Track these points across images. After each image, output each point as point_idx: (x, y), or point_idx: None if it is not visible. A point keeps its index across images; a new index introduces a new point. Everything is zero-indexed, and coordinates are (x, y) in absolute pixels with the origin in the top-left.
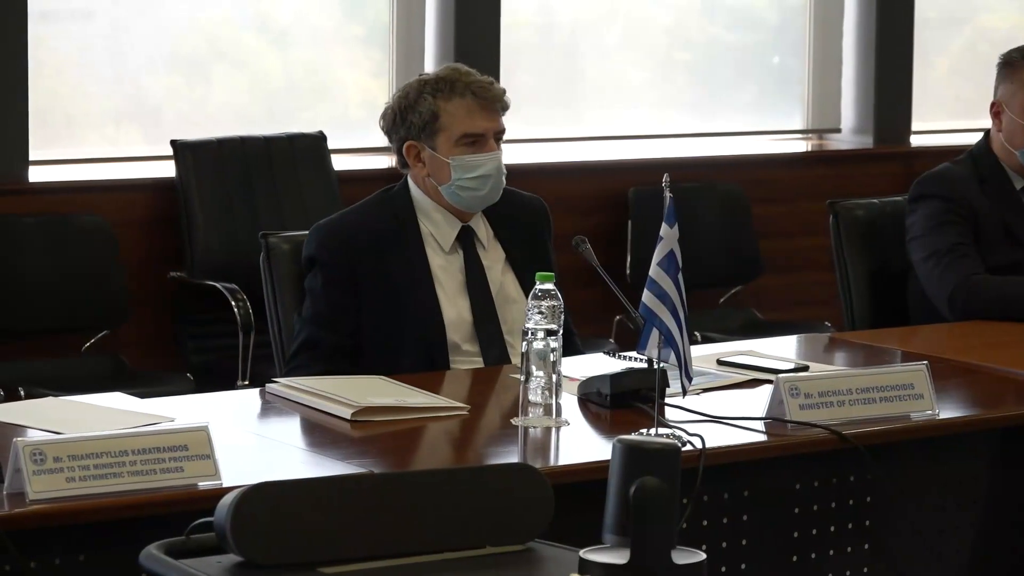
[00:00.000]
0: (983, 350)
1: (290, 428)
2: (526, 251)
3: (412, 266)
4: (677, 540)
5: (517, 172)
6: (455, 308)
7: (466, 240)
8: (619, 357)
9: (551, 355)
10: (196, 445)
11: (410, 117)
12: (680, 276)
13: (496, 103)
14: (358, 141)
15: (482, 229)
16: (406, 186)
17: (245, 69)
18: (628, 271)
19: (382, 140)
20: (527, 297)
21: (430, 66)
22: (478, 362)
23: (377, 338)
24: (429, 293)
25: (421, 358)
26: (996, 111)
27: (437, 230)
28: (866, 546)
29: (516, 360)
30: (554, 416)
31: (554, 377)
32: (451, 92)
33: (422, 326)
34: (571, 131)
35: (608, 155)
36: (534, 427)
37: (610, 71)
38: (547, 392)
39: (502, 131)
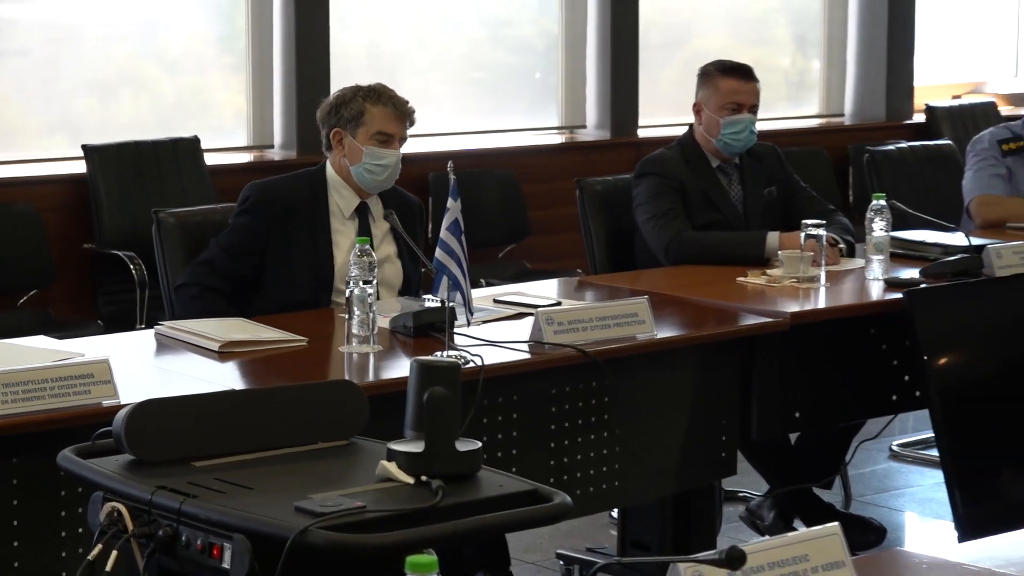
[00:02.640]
0: (690, 287)
1: (173, 358)
2: (405, 230)
3: (317, 225)
4: (460, 433)
5: None
6: (344, 259)
7: (362, 213)
8: (420, 299)
9: (368, 299)
10: (100, 373)
11: (343, 111)
12: (463, 237)
13: (407, 117)
14: (226, 143)
15: (376, 207)
16: (323, 168)
17: (145, 91)
18: (428, 236)
19: (244, 141)
20: (400, 261)
21: (278, 86)
22: None
23: (279, 274)
24: (326, 246)
25: (310, 293)
26: (697, 109)
27: (342, 201)
28: (605, 434)
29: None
30: (371, 344)
31: (371, 315)
32: (377, 100)
33: (316, 269)
34: None
35: (415, 149)
36: (356, 353)
37: (421, 87)
38: (365, 326)
39: (405, 138)
